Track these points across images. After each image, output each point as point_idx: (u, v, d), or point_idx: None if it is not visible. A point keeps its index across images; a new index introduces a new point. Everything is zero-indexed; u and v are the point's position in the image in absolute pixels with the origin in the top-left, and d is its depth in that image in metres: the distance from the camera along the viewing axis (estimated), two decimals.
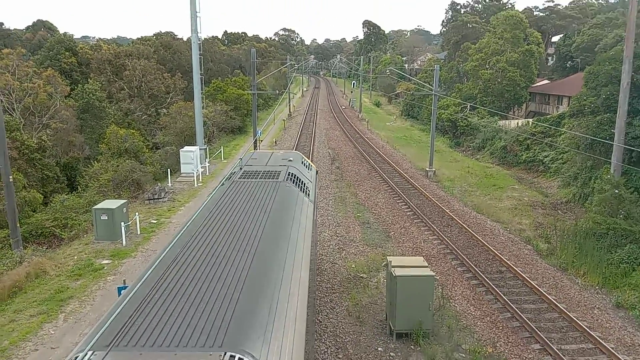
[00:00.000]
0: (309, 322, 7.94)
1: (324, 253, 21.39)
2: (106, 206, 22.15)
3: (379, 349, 14.40)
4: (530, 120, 50.44)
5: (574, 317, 15.83)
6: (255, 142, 36.82)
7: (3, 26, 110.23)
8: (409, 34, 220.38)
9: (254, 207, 9.90)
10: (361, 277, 19.23)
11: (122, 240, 21.56)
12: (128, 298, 5.95)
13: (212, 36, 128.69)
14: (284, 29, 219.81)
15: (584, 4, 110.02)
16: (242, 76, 77.85)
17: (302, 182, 13.31)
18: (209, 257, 7.29)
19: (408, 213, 27.17)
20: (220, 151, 42.38)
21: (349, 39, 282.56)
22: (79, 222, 24.75)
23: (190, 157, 34.58)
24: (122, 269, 18.98)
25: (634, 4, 24.39)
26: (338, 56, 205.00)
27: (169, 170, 34.15)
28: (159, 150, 43.26)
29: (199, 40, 36.60)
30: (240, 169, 13.57)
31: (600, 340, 14.47)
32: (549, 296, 17.19)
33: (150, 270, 6.94)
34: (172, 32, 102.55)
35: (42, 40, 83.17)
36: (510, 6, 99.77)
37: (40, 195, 30.03)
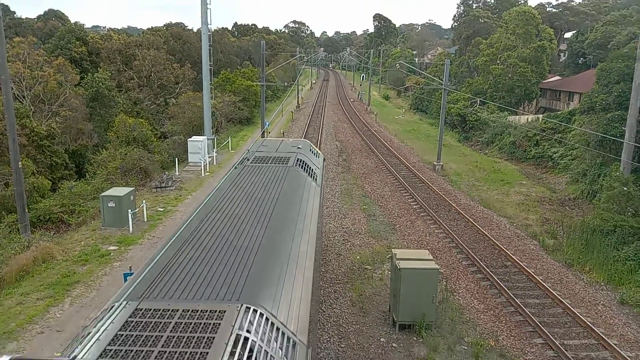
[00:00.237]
0: (314, 284, 8.87)
1: (329, 244, 21.44)
2: (114, 193, 22.31)
3: (382, 339, 14.45)
4: (540, 116, 50.11)
5: (578, 312, 15.78)
6: (263, 133, 36.86)
7: (15, 15, 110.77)
8: (419, 28, 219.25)
9: (265, 188, 10.78)
10: (366, 268, 19.27)
11: (129, 227, 21.72)
12: (156, 260, 6.82)
13: (222, 27, 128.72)
14: (294, 21, 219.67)
15: (598, 0, 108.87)
16: (251, 67, 77.90)
17: (310, 167, 14.04)
18: (226, 227, 8.23)
19: (414, 206, 27.13)
20: (228, 141, 42.47)
21: (359, 32, 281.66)
22: (86, 209, 24.96)
23: (198, 146, 34.72)
24: (129, 255, 19.13)
25: None
26: (348, 49, 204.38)
27: (176, 159, 34.29)
28: (167, 140, 43.43)
29: (209, 32, 36.61)
30: (252, 154, 14.28)
31: (604, 336, 14.42)
32: (553, 291, 17.13)
33: (176, 235, 7.93)
34: (182, 23, 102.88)
35: (53, 29, 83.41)
36: (523, 2, 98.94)
37: (49, 181, 30.29)
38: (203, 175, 32.44)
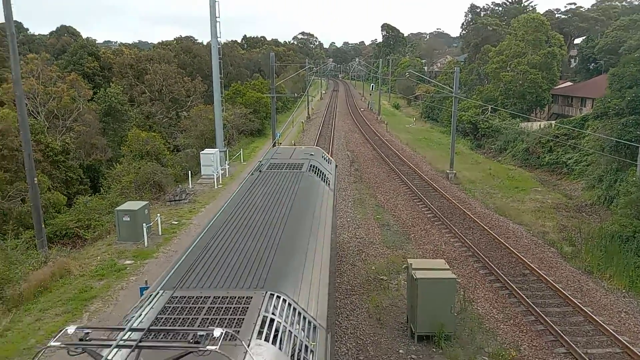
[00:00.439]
0: (331, 275, 9.73)
1: (343, 255, 21.33)
2: (128, 207, 22.40)
3: (400, 351, 14.28)
4: (553, 122, 49.74)
5: (600, 320, 15.50)
6: (274, 145, 36.93)
7: (28, 32, 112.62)
8: (428, 37, 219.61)
9: (282, 192, 11.62)
10: (381, 279, 19.12)
11: (144, 241, 21.78)
12: (186, 254, 7.50)
13: (232, 40, 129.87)
14: (303, 33, 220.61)
15: (607, 5, 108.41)
16: (261, 79, 78.31)
17: (323, 172, 14.84)
18: (248, 225, 9.07)
19: (428, 215, 26.95)
20: (240, 153, 42.62)
21: (367, 42, 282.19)
22: (102, 223, 25.09)
23: (211, 159, 34.85)
24: (144, 269, 19.16)
25: None
26: (357, 59, 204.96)
27: (189, 172, 34.44)
28: (180, 153, 43.72)
29: (219, 45, 36.90)
30: (267, 161, 15.09)
31: (628, 345, 14.13)
32: (574, 299, 16.87)
33: (203, 233, 8.87)
34: (192, 37, 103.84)
35: (65, 45, 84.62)
36: (531, 9, 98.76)
37: (64, 196, 30.55)
38: (216, 187, 32.53)
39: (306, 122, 68.04)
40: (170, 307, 5.89)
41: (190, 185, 32.87)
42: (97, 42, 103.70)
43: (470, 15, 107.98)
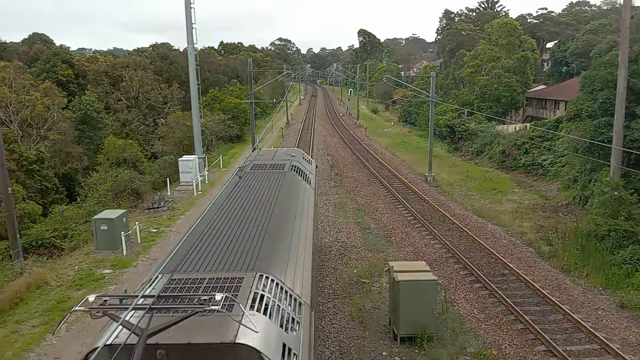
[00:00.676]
0: (314, 261, 10.72)
1: (325, 259, 21.33)
2: (106, 216, 22.07)
3: (384, 353, 14.33)
4: (528, 124, 50.62)
5: (579, 318, 15.77)
6: (254, 150, 36.80)
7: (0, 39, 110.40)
8: (404, 42, 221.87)
9: (266, 189, 12.33)
10: (363, 282, 19.17)
11: (122, 249, 21.47)
12: (182, 242, 8.24)
13: (209, 47, 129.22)
14: (280, 39, 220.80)
15: (577, 10, 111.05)
16: (239, 85, 78.07)
17: (304, 172, 15.62)
18: (237, 217, 9.88)
19: (409, 218, 27.14)
20: (219, 160, 42.37)
21: (344, 48, 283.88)
22: (79, 233, 24.67)
23: (189, 166, 34.57)
24: (124, 278, 18.88)
25: (627, 10, 24.57)
26: (334, 65, 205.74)
27: (168, 179, 34.10)
28: (158, 160, 43.25)
29: (195, 51, 36.67)
30: (250, 163, 15.79)
31: (606, 341, 14.40)
32: (552, 298, 17.14)
33: (195, 225, 9.60)
34: (168, 44, 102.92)
35: (38, 52, 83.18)
36: (504, 14, 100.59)
37: (40, 206, 29.96)
38: (195, 194, 32.26)
39: (285, 128, 68.02)
40: (170, 287, 6.43)
41: (169, 193, 32.54)
42: (70, 49, 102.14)
43: (444, 21, 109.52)
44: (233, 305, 5.87)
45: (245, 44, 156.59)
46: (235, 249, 8.05)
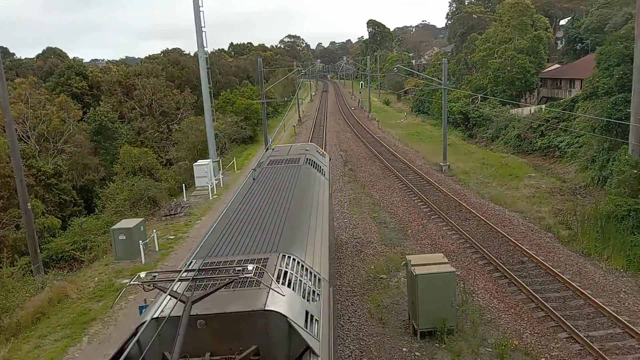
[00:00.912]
0: (330, 243, 11.85)
1: (342, 256, 21.28)
2: (124, 226, 22.30)
3: (404, 349, 14.24)
4: (543, 106, 49.77)
5: (600, 302, 15.47)
6: (267, 150, 36.87)
7: (14, 56, 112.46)
8: (414, 30, 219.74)
9: (283, 181, 13.22)
10: (381, 278, 19.07)
11: (141, 258, 21.70)
12: (210, 232, 9.16)
13: (219, 49, 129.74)
14: (289, 36, 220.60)
15: None
16: (250, 86, 78.27)
17: (318, 165, 16.42)
18: (259, 207, 10.86)
19: (425, 210, 26.93)
20: (233, 162, 42.57)
21: (354, 40, 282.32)
22: (97, 244, 25.03)
23: (204, 170, 34.78)
24: None
25: None
26: (344, 58, 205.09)
27: (183, 185, 34.38)
28: (173, 166, 43.63)
29: (206, 54, 36.84)
30: (267, 158, 16.75)
31: (629, 324, 14.11)
32: (573, 283, 16.85)
33: (221, 215, 10.64)
34: (179, 49, 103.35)
35: (52, 67, 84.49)
36: None
37: (59, 220, 30.49)
38: (211, 198, 32.46)
39: (298, 125, 68.03)
40: (204, 269, 6.99)
41: (185, 198, 32.81)
42: (84, 61, 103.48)
43: (454, 5, 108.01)
44: (263, 274, 6.78)
45: (255, 44, 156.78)
46: (259, 234, 8.94)
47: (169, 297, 6.17)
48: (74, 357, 14.34)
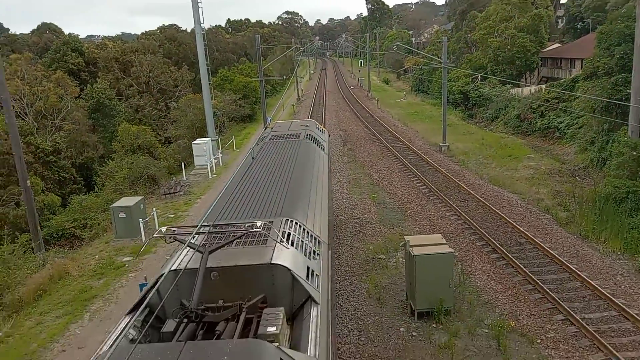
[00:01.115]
0: (329, 210, 12.74)
1: (340, 236, 21.41)
2: (124, 204, 22.36)
3: (401, 329, 14.43)
4: (543, 86, 49.50)
5: (597, 285, 15.65)
6: (265, 129, 36.75)
7: (9, 32, 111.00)
8: (413, 7, 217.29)
9: (285, 155, 13.93)
10: (379, 258, 19.22)
11: (141, 236, 21.80)
12: (218, 199, 9.95)
13: (216, 25, 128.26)
14: (287, 12, 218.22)
15: None
16: (248, 63, 77.63)
17: (318, 140, 17.16)
18: (263, 177, 11.61)
19: (424, 190, 27.00)
20: (232, 141, 42.45)
21: (353, 17, 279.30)
22: (98, 222, 25.09)
23: (203, 149, 34.69)
24: (143, 266, 19.21)
25: None
26: (343, 35, 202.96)
27: (182, 163, 34.32)
28: (172, 144, 43.50)
29: (203, 31, 36.39)
30: (268, 134, 17.29)
31: (625, 307, 14.30)
32: (570, 265, 17.00)
33: (228, 183, 11.69)
34: (175, 25, 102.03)
35: (48, 42, 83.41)
36: None
37: (58, 197, 30.48)
38: (210, 177, 32.46)
39: (297, 104, 67.66)
40: (218, 224, 7.62)
41: (185, 177, 32.80)
42: (79, 37, 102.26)
43: None
44: (269, 233, 7.48)
45: (252, 20, 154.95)
46: (264, 202, 9.66)
47: (185, 251, 7.08)
48: (76, 333, 14.51)
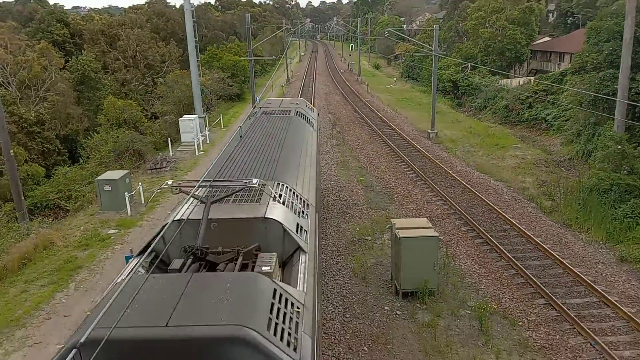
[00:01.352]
0: (317, 178, 13.66)
1: (328, 217, 21.50)
2: (109, 177, 22.15)
3: (386, 307, 14.62)
4: (532, 78, 49.86)
5: (579, 272, 15.98)
6: (254, 108, 36.49)
7: None
8: None
9: (276, 129, 14.82)
10: (366, 239, 19.37)
11: (127, 210, 21.64)
12: (216, 160, 11.10)
13: (205, 2, 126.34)
14: None
15: None
16: (238, 42, 76.77)
17: (307, 117, 18.16)
18: (256, 147, 12.54)
19: (411, 175, 27.17)
20: (220, 119, 42.12)
21: (345, 1, 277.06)
22: (83, 194, 24.84)
23: (190, 126, 34.38)
24: (129, 238, 19.12)
25: None
26: (334, 19, 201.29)
27: (169, 139, 33.99)
28: (158, 120, 43.00)
29: (192, 7, 35.79)
30: (260, 109, 18.19)
31: (605, 294, 14.65)
32: (553, 252, 17.33)
33: (222, 151, 12.64)
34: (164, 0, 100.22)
35: (32, 12, 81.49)
36: None
37: (42, 168, 30.04)
38: (197, 154, 32.23)
39: (286, 85, 67.23)
40: (219, 180, 8.47)
41: (171, 153, 32.52)
42: (65, 8, 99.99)
43: None
44: (262, 192, 8.45)
45: None
46: (257, 167, 10.56)
47: (187, 205, 8.00)
48: (61, 302, 14.43)
